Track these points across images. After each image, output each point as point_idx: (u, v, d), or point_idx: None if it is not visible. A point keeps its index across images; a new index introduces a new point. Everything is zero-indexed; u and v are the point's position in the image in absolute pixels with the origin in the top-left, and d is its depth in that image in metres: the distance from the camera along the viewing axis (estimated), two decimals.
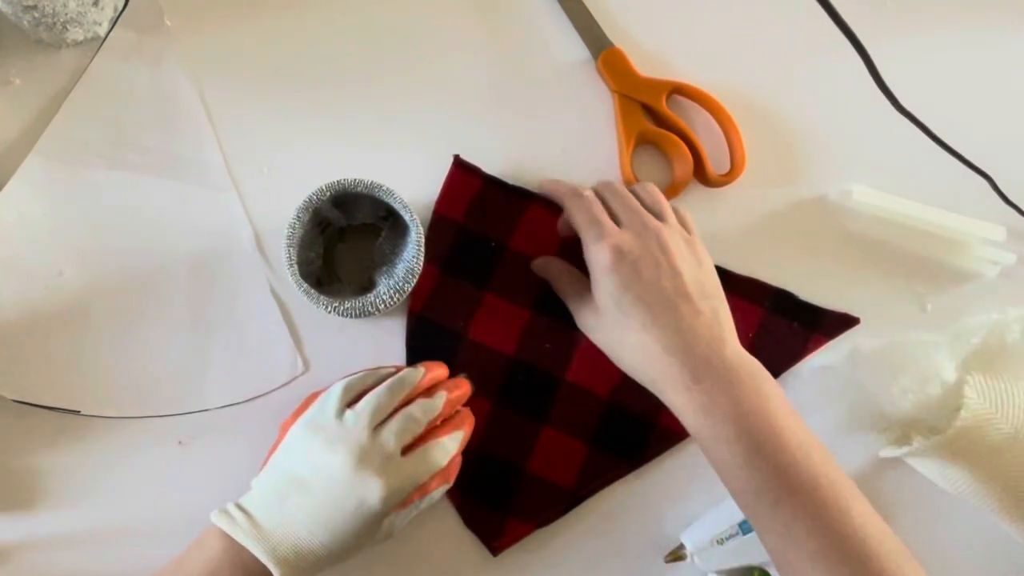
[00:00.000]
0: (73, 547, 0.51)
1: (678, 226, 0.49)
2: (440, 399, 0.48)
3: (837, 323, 0.55)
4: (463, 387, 0.50)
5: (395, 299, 0.49)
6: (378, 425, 0.45)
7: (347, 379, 0.48)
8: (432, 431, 0.47)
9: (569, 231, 0.51)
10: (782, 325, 0.54)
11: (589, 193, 0.50)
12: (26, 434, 0.51)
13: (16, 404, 0.50)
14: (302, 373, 0.53)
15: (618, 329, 0.47)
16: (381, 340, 0.53)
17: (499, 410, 0.53)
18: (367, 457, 0.44)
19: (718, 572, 0.50)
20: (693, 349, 0.44)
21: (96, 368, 0.52)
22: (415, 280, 0.50)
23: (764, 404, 0.43)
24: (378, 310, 0.49)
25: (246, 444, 0.51)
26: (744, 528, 0.50)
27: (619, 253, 0.46)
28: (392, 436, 0.45)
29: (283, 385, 0.53)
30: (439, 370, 0.50)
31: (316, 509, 0.43)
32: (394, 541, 0.49)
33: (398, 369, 0.49)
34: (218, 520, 0.44)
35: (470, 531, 0.52)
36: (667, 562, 0.51)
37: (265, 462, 0.47)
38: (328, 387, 0.48)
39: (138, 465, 0.51)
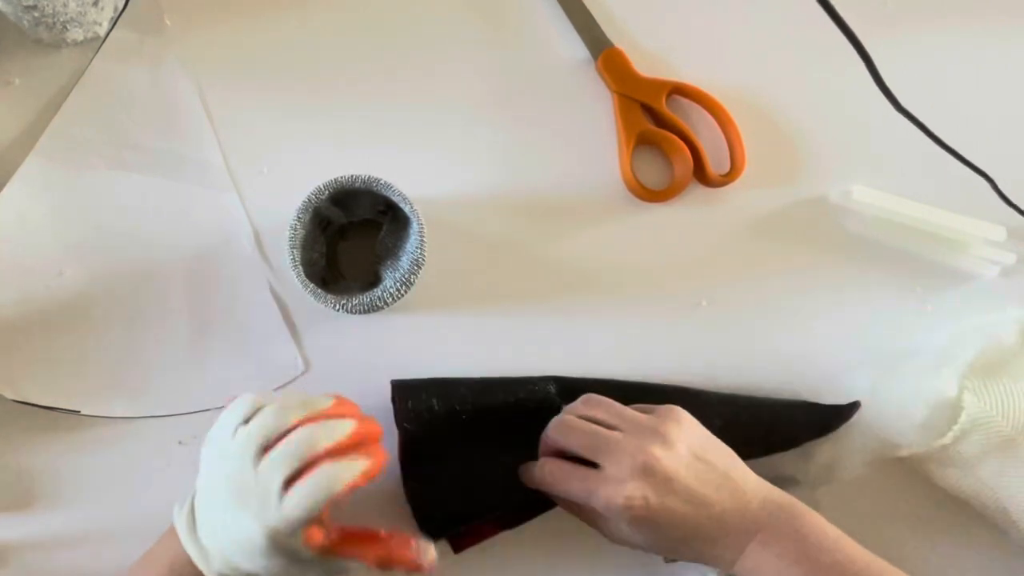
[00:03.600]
0: (73, 547, 0.51)
1: (644, 425, 0.45)
2: (346, 425, 0.41)
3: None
4: (374, 424, 0.44)
5: (402, 291, 0.49)
6: (267, 448, 0.40)
7: (257, 394, 0.43)
8: (327, 456, 0.40)
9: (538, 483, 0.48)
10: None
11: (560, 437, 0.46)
12: (26, 434, 0.51)
13: (16, 404, 0.50)
14: (302, 373, 0.53)
15: (654, 548, 0.46)
16: (380, 339, 0.53)
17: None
18: (245, 493, 0.40)
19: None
20: (726, 535, 0.44)
21: (96, 368, 0.52)
22: (421, 271, 0.50)
23: (805, 543, 0.43)
24: (386, 304, 0.49)
25: None
26: None
27: (630, 507, 0.43)
28: (273, 467, 0.39)
29: (283, 385, 0.53)
30: (350, 406, 0.44)
31: (231, 535, 0.41)
32: None
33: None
34: (175, 519, 0.43)
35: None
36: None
37: None
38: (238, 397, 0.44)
39: (138, 465, 0.51)
